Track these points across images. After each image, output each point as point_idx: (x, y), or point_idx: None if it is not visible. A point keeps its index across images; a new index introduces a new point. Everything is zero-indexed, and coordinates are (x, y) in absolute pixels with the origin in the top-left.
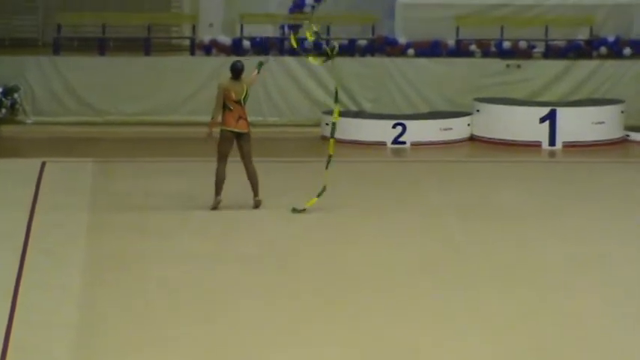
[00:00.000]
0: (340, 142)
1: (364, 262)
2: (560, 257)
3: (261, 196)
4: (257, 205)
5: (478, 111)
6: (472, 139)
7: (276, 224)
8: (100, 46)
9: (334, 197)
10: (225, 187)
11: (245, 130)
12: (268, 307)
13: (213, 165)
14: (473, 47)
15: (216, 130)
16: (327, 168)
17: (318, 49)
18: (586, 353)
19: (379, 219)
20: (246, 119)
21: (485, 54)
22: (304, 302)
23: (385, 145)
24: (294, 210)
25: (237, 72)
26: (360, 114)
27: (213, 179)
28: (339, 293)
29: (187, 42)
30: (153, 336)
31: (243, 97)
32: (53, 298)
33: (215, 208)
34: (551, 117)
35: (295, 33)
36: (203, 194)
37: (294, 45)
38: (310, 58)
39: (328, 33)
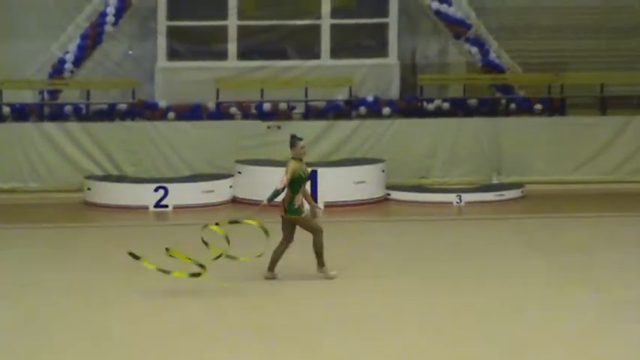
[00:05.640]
0: (103, 207)
1: None
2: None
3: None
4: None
5: (240, 173)
6: (234, 200)
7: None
8: None
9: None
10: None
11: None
12: None
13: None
14: (233, 109)
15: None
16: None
17: None
18: None
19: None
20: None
21: (246, 116)
22: None
23: (147, 208)
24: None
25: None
26: (121, 178)
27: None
28: None
29: None
30: None
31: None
32: None
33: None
34: (312, 178)
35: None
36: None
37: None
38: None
39: (88, 98)
